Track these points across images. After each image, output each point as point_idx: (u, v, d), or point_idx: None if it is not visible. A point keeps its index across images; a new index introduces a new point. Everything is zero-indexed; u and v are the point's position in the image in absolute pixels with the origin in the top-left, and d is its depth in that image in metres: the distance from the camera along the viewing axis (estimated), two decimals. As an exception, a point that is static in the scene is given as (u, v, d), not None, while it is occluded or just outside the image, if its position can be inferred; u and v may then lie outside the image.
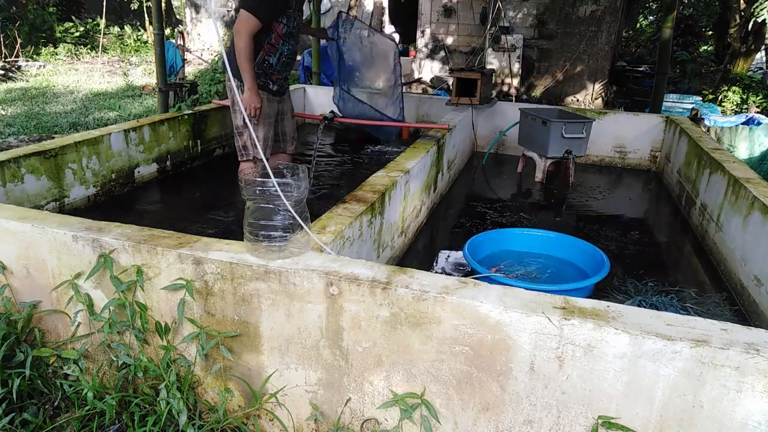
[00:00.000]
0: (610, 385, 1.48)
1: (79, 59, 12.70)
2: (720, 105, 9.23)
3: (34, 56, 12.02)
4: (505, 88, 10.06)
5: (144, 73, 11.14)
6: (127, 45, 14.38)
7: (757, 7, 8.35)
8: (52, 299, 2.11)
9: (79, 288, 2.01)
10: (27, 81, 9.68)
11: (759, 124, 6.18)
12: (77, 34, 14.02)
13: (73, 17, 14.68)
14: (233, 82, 2.48)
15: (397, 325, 1.65)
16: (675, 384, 1.42)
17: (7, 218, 2.08)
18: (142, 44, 14.52)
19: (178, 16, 17.18)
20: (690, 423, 1.44)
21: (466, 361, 1.60)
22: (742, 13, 10.15)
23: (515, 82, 10.09)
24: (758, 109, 8.72)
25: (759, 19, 8.45)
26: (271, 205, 1.77)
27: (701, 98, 9.16)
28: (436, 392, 1.67)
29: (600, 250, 2.99)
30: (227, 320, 1.86)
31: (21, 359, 2.05)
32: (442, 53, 11.04)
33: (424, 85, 10.81)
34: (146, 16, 14.51)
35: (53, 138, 4.70)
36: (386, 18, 11.62)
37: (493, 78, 9.56)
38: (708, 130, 6.13)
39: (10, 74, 9.90)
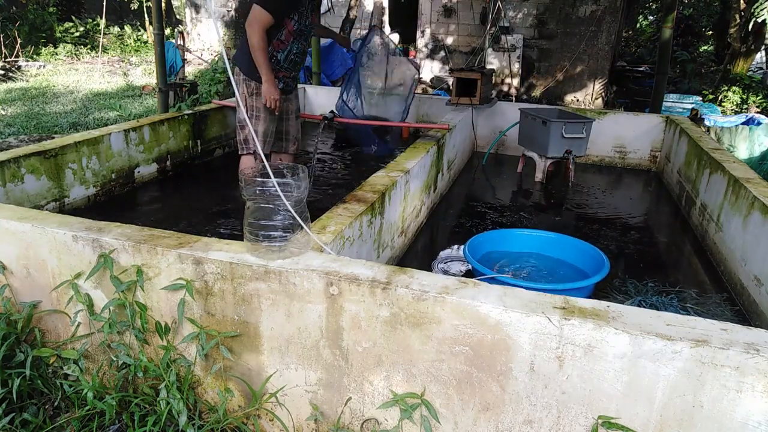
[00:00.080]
0: (610, 385, 1.48)
1: (79, 59, 12.70)
2: (720, 105, 9.24)
3: (34, 56, 12.02)
4: (505, 88, 10.06)
5: (144, 73, 11.14)
6: (127, 45, 14.38)
7: (757, 7, 8.35)
8: (52, 299, 2.11)
9: (79, 288, 2.01)
10: (27, 81, 9.68)
11: (759, 124, 6.18)
12: (77, 34, 14.02)
13: (73, 17, 14.68)
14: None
15: (397, 325, 1.65)
16: (675, 384, 1.42)
17: (7, 218, 2.08)
18: (142, 44, 14.52)
19: (178, 16, 17.19)
20: (690, 423, 1.44)
21: (466, 361, 1.60)
22: (742, 13, 10.15)
23: (515, 82, 10.09)
24: (758, 109, 8.72)
25: (759, 19, 8.45)
26: (271, 205, 1.77)
27: (701, 98, 9.17)
28: (436, 392, 1.67)
29: (600, 250, 2.99)
30: (227, 320, 1.86)
31: (21, 359, 2.05)
32: (442, 53, 11.04)
33: (424, 85, 10.81)
34: (146, 16, 14.51)
35: (53, 138, 4.70)
36: (386, 18, 11.61)
37: (493, 78, 9.56)
38: (708, 130, 6.13)
39: (10, 74, 9.90)
